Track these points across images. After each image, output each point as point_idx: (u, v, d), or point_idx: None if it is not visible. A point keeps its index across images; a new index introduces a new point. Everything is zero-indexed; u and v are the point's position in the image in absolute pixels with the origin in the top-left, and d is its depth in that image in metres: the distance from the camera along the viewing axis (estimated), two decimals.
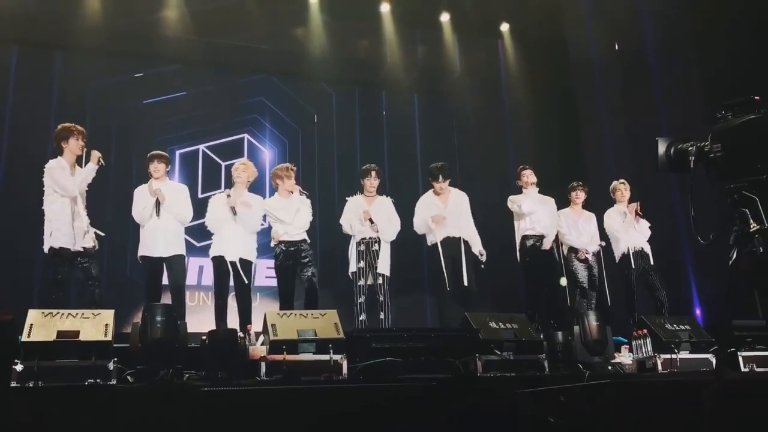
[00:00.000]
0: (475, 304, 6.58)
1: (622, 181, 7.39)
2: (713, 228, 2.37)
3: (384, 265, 6.61)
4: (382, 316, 6.51)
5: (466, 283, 6.58)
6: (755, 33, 7.24)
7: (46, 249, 5.74)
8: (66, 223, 5.71)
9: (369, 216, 6.61)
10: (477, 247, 6.78)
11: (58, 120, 9.12)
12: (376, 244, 6.62)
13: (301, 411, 3.69)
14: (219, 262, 6.30)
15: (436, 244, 6.74)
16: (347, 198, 6.96)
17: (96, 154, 5.89)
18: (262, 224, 6.71)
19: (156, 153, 6.50)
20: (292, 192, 6.53)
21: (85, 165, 5.93)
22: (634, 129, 9.34)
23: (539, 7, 10.57)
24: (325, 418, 3.68)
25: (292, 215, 6.43)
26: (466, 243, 6.74)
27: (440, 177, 6.92)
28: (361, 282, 6.57)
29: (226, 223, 6.30)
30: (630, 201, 7.24)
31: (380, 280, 6.56)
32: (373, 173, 6.85)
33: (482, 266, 6.77)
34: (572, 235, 7.24)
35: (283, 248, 6.41)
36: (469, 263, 6.64)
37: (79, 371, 4.02)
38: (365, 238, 6.65)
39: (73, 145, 5.88)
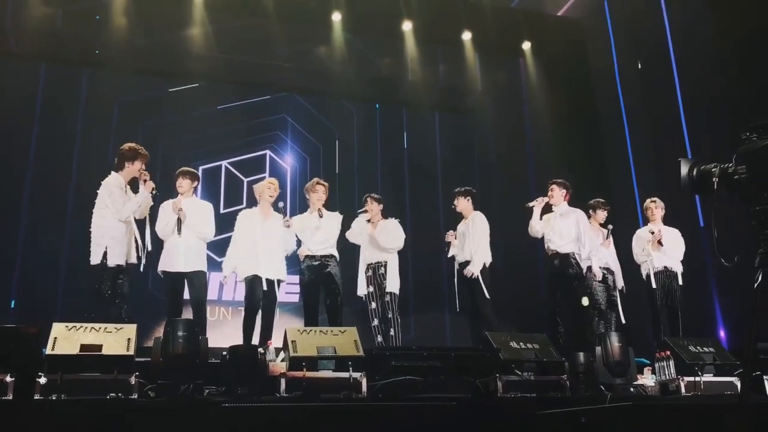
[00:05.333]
0: (496, 325, 6.56)
1: (653, 199, 7.25)
2: (737, 250, 2.35)
3: (392, 284, 6.77)
4: (392, 332, 6.62)
5: (486, 298, 6.69)
6: None
7: (94, 262, 5.70)
8: (120, 241, 5.75)
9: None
10: (471, 267, 6.82)
11: (84, 135, 9.38)
12: (383, 267, 6.80)
13: (320, 428, 3.68)
14: (255, 280, 6.25)
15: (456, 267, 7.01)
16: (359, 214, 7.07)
17: (150, 184, 5.91)
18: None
19: (184, 169, 6.51)
20: (319, 209, 6.58)
21: (137, 191, 5.97)
22: (657, 149, 9.27)
23: (561, 26, 10.60)
24: None
25: (308, 236, 6.52)
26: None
27: (454, 197, 7.15)
28: (373, 305, 6.74)
29: (264, 241, 6.31)
30: (664, 219, 7.17)
31: (388, 298, 6.71)
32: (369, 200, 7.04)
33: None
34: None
35: (308, 263, 6.50)
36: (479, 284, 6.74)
37: (102, 385, 4.03)
38: (372, 263, 6.85)
39: (136, 168, 5.96)
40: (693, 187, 2.49)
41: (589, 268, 7.04)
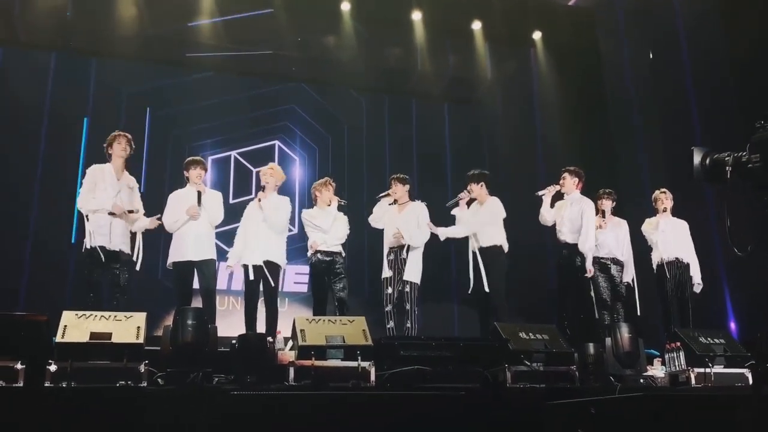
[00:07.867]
0: (507, 316, 6.53)
1: (663, 190, 7.18)
2: (750, 239, 2.32)
3: (411, 273, 6.58)
4: (408, 324, 6.48)
5: (487, 289, 6.63)
6: None
7: (84, 248, 5.87)
8: (103, 225, 5.85)
9: (400, 237, 6.65)
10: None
11: (93, 124, 9.39)
12: (405, 252, 6.63)
13: (328, 417, 3.69)
14: (248, 268, 6.28)
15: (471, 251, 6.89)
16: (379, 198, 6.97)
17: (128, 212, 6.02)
18: (291, 230, 6.73)
19: (196, 159, 6.55)
20: (329, 203, 6.60)
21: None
22: (667, 138, 9.21)
23: (571, 16, 10.51)
24: (352, 425, 3.67)
25: (329, 223, 6.52)
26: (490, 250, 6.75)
27: (468, 181, 6.98)
28: (389, 291, 6.61)
29: (252, 226, 6.33)
30: (672, 211, 7.10)
31: (408, 288, 6.55)
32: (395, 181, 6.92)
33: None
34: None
35: (319, 257, 6.49)
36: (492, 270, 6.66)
37: (111, 373, 4.06)
38: (394, 247, 6.70)
39: (116, 151, 6.06)
40: (706, 176, 2.46)
41: (594, 259, 6.97)
